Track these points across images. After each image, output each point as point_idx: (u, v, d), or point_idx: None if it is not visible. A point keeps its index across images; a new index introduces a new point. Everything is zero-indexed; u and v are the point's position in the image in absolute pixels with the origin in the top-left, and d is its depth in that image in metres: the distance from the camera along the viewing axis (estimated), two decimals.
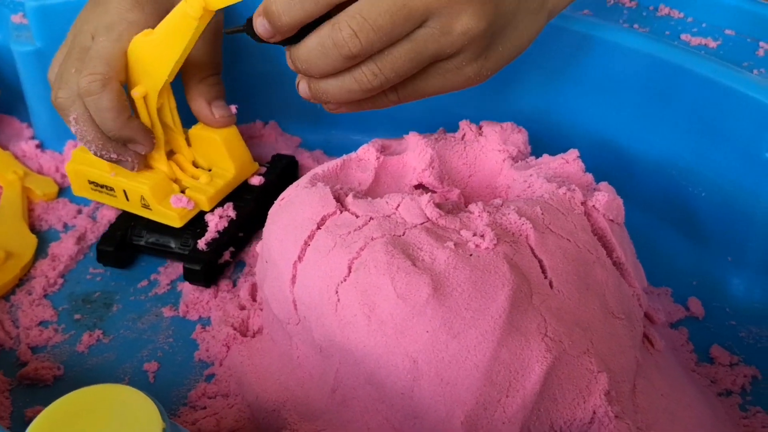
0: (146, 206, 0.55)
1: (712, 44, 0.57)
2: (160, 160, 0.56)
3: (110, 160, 0.54)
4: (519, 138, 0.52)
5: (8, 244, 0.56)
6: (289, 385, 0.45)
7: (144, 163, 0.55)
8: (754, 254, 0.54)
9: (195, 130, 0.57)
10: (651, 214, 0.58)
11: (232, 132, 0.57)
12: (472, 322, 0.39)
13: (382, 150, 0.52)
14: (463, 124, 0.53)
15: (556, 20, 0.57)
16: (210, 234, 0.55)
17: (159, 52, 0.50)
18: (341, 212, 0.44)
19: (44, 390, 0.49)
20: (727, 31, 0.58)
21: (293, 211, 0.46)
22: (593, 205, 0.46)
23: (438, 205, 0.44)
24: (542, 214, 0.44)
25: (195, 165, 0.58)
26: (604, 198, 0.46)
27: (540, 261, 0.42)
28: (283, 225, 0.46)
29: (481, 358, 0.39)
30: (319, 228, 0.44)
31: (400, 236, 0.42)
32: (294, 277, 0.44)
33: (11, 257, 0.56)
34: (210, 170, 0.57)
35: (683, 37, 0.58)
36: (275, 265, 0.45)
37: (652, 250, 0.52)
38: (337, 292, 0.41)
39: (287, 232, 0.45)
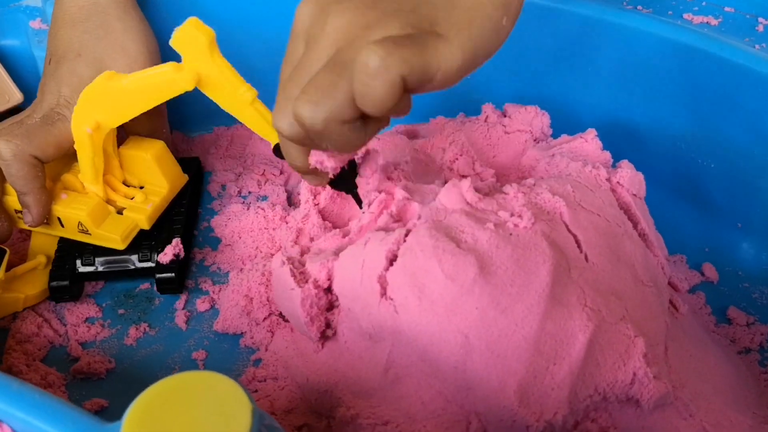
0: (84, 231, 0.54)
1: (714, 22, 0.60)
2: (96, 185, 0.54)
3: None
4: (543, 121, 0.55)
5: (47, 249, 0.57)
6: (338, 368, 0.47)
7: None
8: (761, 220, 0.58)
9: (124, 150, 0.55)
10: (663, 186, 0.61)
11: (161, 148, 0.55)
12: (518, 298, 0.42)
13: (409, 134, 0.54)
14: (486, 107, 0.56)
15: (563, 5, 0.59)
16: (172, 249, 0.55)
17: (128, 100, 0.50)
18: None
19: (98, 383, 0.51)
20: (727, 9, 0.61)
21: None
22: (617, 181, 0.49)
23: (476, 188, 0.46)
24: (573, 191, 0.46)
25: (126, 184, 0.56)
26: (627, 174, 0.49)
27: (575, 236, 0.45)
28: None
29: (529, 331, 0.41)
30: None
31: (441, 221, 0.45)
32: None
33: (51, 262, 0.57)
34: (142, 188, 0.56)
35: (686, 16, 0.60)
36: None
37: (665, 221, 0.55)
38: (380, 279, 0.44)
39: None
